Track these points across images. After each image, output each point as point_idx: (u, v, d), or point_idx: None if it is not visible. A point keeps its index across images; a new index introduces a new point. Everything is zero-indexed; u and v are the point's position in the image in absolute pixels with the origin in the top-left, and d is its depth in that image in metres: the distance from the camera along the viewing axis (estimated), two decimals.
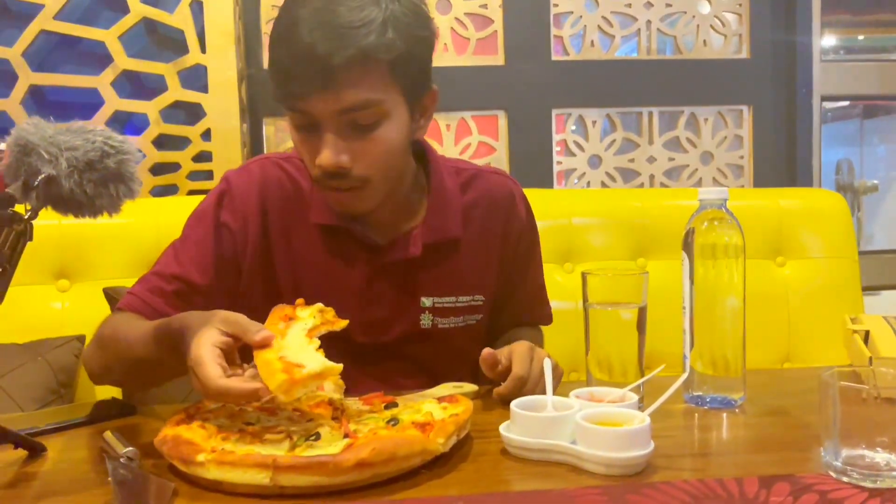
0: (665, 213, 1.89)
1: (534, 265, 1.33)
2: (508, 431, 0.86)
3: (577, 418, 0.82)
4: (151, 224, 1.72)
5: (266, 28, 2.26)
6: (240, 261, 1.16)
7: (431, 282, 1.19)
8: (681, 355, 1.06)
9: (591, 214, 1.91)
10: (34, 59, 2.03)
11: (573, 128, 2.42)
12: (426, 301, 1.19)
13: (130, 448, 0.81)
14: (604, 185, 2.42)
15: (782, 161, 2.46)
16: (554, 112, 2.38)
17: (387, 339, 1.19)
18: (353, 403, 0.97)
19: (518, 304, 1.32)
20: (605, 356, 1.02)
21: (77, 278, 1.73)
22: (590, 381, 1.03)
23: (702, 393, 1.03)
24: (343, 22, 0.99)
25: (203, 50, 2.06)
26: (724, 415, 1.00)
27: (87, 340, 1.63)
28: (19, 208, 0.76)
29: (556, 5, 2.36)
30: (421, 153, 1.22)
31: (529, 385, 1.02)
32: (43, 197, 0.74)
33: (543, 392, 0.94)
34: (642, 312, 1.01)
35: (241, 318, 0.87)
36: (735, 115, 2.47)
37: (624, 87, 2.40)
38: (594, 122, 2.41)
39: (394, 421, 0.86)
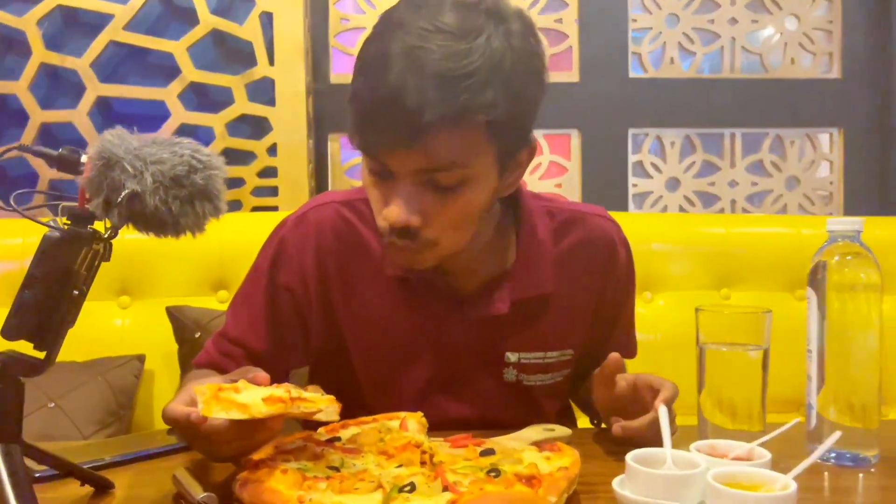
0: (751, 242, 1.81)
1: (628, 308, 1.22)
2: (623, 488, 0.76)
3: (709, 478, 0.72)
4: (214, 241, 1.67)
5: (335, 42, 2.22)
6: (306, 320, 1.08)
7: (518, 337, 1.09)
8: (789, 396, 0.97)
9: (670, 241, 1.85)
10: (102, 69, 2.02)
11: (650, 148, 2.36)
12: (511, 356, 1.09)
13: (208, 493, 0.74)
14: (682, 209, 2.34)
15: (874, 188, 2.34)
16: (630, 132, 2.33)
17: (466, 394, 1.10)
18: (440, 446, 0.89)
19: (608, 349, 1.21)
20: (725, 399, 0.94)
21: (139, 295, 1.69)
22: (701, 424, 0.95)
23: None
24: (439, 69, 0.84)
25: (271, 62, 2.02)
26: (860, 475, 0.89)
27: (147, 360, 1.59)
28: (98, 226, 0.69)
29: (634, 20, 2.31)
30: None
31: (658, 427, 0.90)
32: (126, 214, 0.67)
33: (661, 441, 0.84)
34: (766, 355, 0.92)
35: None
36: (824, 138, 2.37)
37: (705, 107, 2.32)
38: (673, 143, 2.35)
39: (495, 472, 0.78)
